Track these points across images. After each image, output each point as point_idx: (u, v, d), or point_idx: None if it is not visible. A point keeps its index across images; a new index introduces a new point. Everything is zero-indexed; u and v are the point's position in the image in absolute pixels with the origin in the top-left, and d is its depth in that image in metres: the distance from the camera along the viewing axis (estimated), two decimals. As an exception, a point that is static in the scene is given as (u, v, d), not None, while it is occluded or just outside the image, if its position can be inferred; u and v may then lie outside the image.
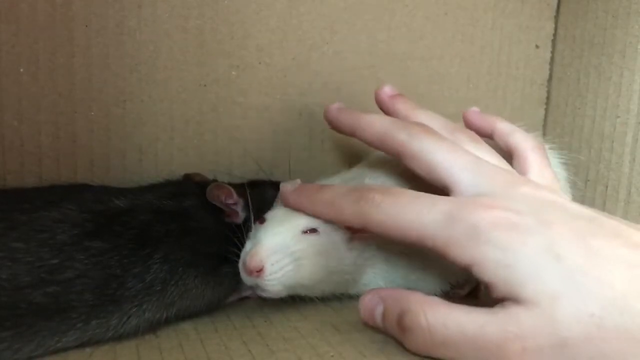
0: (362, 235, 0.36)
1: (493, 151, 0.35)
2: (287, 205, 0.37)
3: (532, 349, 0.27)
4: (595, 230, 0.28)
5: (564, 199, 0.31)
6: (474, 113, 0.40)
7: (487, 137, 0.38)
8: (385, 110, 0.40)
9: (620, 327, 0.25)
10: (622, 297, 0.26)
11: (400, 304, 0.31)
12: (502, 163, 0.35)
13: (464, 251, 0.29)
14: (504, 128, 0.38)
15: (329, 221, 0.35)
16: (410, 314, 0.30)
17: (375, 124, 0.36)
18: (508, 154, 0.37)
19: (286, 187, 0.37)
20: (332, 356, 0.31)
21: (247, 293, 0.40)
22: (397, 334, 0.31)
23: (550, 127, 0.55)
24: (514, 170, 0.35)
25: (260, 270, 0.33)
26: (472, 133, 0.37)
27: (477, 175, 0.32)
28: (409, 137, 0.34)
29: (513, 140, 0.37)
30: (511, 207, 0.29)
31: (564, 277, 0.27)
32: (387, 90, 0.40)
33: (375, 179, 0.41)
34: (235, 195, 0.38)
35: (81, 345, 0.32)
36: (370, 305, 0.33)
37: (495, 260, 0.28)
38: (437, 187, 0.33)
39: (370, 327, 0.34)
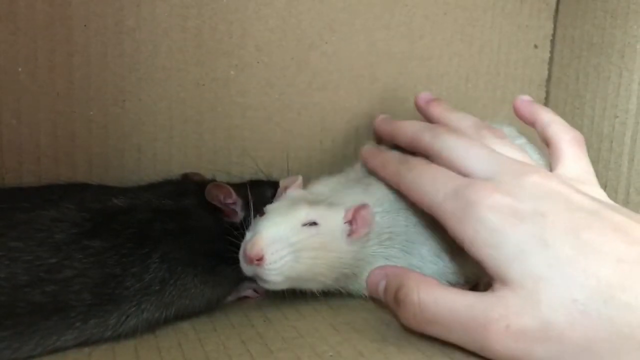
0: (362, 231, 0.36)
1: (518, 147, 0.37)
2: (365, 161, 0.42)
3: (515, 329, 0.28)
4: (592, 224, 0.29)
5: (569, 190, 0.31)
6: (523, 101, 0.40)
7: (530, 126, 0.40)
8: (422, 114, 0.43)
9: (604, 317, 0.26)
10: (608, 288, 0.26)
11: (399, 280, 0.33)
12: (525, 157, 0.36)
13: (459, 226, 0.32)
14: (544, 118, 0.38)
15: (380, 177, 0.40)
16: (405, 288, 0.32)
17: (407, 129, 0.40)
18: (546, 144, 0.38)
19: (365, 149, 0.43)
20: (331, 355, 0.31)
21: (246, 292, 0.40)
22: (392, 308, 0.34)
23: (549, 127, 0.55)
24: (532, 164, 0.35)
25: (260, 259, 0.33)
26: (499, 131, 0.38)
27: (489, 164, 0.34)
28: (433, 138, 0.37)
29: (551, 130, 0.38)
30: (512, 193, 0.31)
31: (550, 263, 0.28)
32: (423, 97, 0.43)
33: (375, 178, 0.41)
34: (234, 195, 0.38)
35: (80, 345, 0.32)
36: (376, 279, 0.36)
37: (484, 239, 0.30)
38: None
39: (370, 327, 0.34)
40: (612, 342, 0.26)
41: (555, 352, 0.27)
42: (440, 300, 0.30)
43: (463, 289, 0.40)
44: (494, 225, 0.30)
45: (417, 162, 0.37)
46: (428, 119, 0.42)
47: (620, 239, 0.28)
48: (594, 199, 0.31)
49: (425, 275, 0.35)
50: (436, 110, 0.42)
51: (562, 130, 0.37)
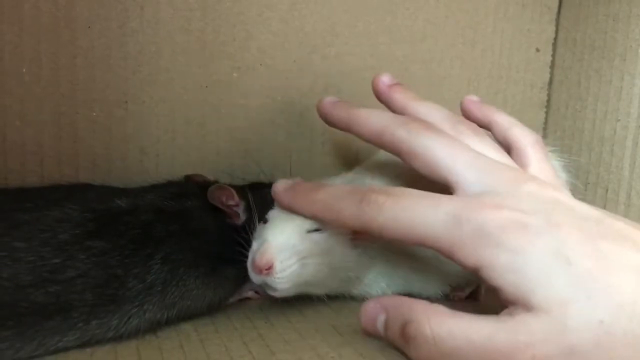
0: (365, 234, 0.36)
1: (496, 145, 0.35)
2: (282, 205, 0.36)
3: (541, 357, 0.26)
4: (604, 233, 0.28)
5: (569, 197, 0.31)
6: (472, 102, 0.38)
7: (484, 128, 0.37)
8: (382, 100, 0.38)
9: (628, 334, 0.25)
10: (631, 303, 0.25)
11: (403, 313, 0.30)
12: (505, 158, 0.34)
13: (471, 254, 0.28)
14: (503, 121, 0.37)
15: (326, 223, 0.35)
16: (414, 323, 0.29)
17: (372, 119, 0.34)
18: (505, 147, 0.36)
19: (279, 186, 0.36)
20: (333, 357, 0.31)
21: (248, 294, 0.40)
22: (400, 344, 0.30)
23: (551, 130, 0.55)
24: (517, 167, 0.34)
25: (269, 268, 0.33)
26: (474, 125, 0.35)
27: (480, 173, 0.31)
28: (408, 134, 0.33)
29: (511, 134, 0.36)
30: (518, 206, 0.28)
31: (574, 282, 0.26)
32: (385, 79, 0.37)
33: (377, 181, 0.41)
34: (236, 197, 0.38)
35: (82, 345, 0.32)
36: (372, 313, 0.32)
37: (504, 264, 0.27)
38: (439, 186, 0.32)
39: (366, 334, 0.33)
40: (634, 357, 0.25)
41: None
42: (457, 332, 0.27)
43: (466, 292, 0.40)
44: (513, 247, 0.27)
45: (378, 197, 0.31)
46: (389, 106, 0.37)
47: (631, 247, 0.27)
48: (589, 206, 0.30)
49: (429, 303, 0.30)
50: (401, 97, 0.37)
51: (524, 133, 0.36)
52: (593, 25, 0.50)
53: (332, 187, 0.34)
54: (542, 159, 0.35)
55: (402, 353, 0.31)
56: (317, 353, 0.32)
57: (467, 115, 0.38)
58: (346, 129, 0.36)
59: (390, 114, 0.35)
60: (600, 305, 0.26)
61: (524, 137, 0.35)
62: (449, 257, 0.29)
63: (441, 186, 0.32)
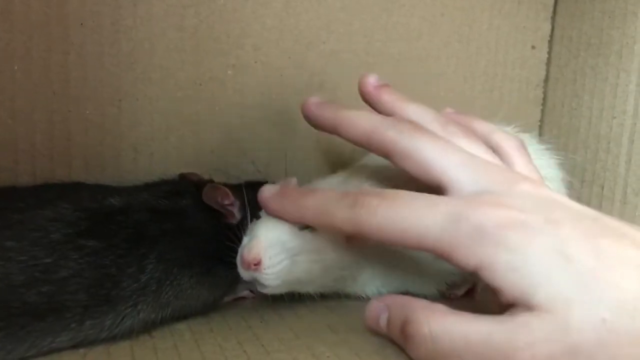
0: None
1: (486, 147, 0.34)
2: (269, 212, 0.35)
3: (542, 356, 0.26)
4: (602, 231, 0.28)
5: (563, 197, 0.31)
6: (449, 114, 0.38)
7: None
8: (369, 102, 0.37)
9: (631, 332, 0.25)
10: (633, 300, 0.25)
11: (404, 312, 0.30)
12: (496, 159, 0.34)
13: (470, 254, 0.28)
14: (483, 128, 0.36)
15: (318, 229, 0.34)
16: (414, 322, 0.29)
17: (360, 121, 0.34)
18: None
19: (266, 193, 0.35)
20: (328, 357, 0.31)
21: (243, 293, 0.40)
22: (400, 342, 0.30)
23: (547, 128, 0.55)
24: (508, 167, 0.34)
25: (257, 264, 0.33)
26: (465, 127, 0.35)
27: (474, 173, 0.31)
28: (399, 135, 0.32)
29: (494, 140, 0.36)
30: (515, 205, 0.28)
31: (576, 280, 0.26)
32: (371, 81, 0.36)
33: (370, 182, 0.40)
34: (231, 196, 0.38)
35: (75, 346, 0.32)
36: (376, 312, 0.32)
37: (504, 263, 0.27)
38: (430, 188, 0.32)
39: (364, 326, 0.33)
40: (637, 354, 0.25)
41: None
42: (455, 331, 0.27)
43: (462, 290, 0.40)
44: (512, 246, 0.27)
45: (371, 200, 0.30)
46: (376, 108, 0.36)
47: (630, 244, 0.27)
48: (583, 205, 0.30)
49: (430, 302, 0.31)
50: (389, 99, 0.36)
51: (505, 138, 0.36)
52: (589, 23, 0.50)
53: (322, 192, 0.34)
54: (527, 162, 0.35)
55: (401, 351, 0.31)
56: (313, 352, 0.32)
57: None
58: (333, 131, 0.35)
59: (379, 116, 0.35)
60: (602, 303, 0.25)
61: (507, 142, 0.35)
62: (448, 258, 0.28)
63: (432, 188, 0.32)
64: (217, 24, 0.44)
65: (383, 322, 0.31)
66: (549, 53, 0.55)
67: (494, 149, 0.35)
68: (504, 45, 0.54)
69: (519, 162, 0.34)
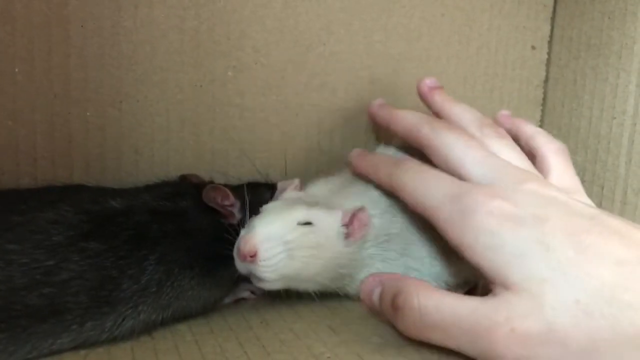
0: (359, 234, 0.36)
1: (517, 148, 0.37)
2: (355, 167, 0.41)
3: (520, 332, 0.27)
4: (591, 228, 0.29)
5: (572, 199, 0.32)
6: (503, 117, 0.42)
7: (513, 137, 0.39)
8: (423, 101, 0.42)
9: (607, 317, 0.26)
10: (610, 288, 0.26)
11: (396, 285, 0.32)
12: (525, 163, 0.36)
13: (457, 232, 0.31)
14: (527, 130, 0.39)
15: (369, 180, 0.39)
16: (404, 294, 0.31)
17: (405, 118, 0.39)
18: (531, 156, 0.38)
19: (354, 152, 0.42)
20: (329, 357, 0.31)
21: (243, 294, 0.40)
22: (390, 315, 0.32)
23: (547, 128, 0.55)
24: (529, 169, 0.35)
25: (253, 256, 0.33)
26: (500, 129, 0.38)
27: (487, 170, 0.33)
28: (432, 132, 0.37)
29: (535, 142, 0.38)
30: (512, 199, 0.31)
31: (552, 266, 0.28)
32: (427, 82, 0.42)
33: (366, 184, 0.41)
34: (231, 197, 0.38)
35: (76, 347, 0.32)
36: (370, 286, 0.35)
37: (483, 243, 0.30)
38: None
39: (367, 328, 0.34)
40: (616, 342, 0.26)
41: (560, 354, 0.27)
42: (442, 305, 0.30)
43: (461, 291, 0.40)
44: (493, 229, 0.30)
45: (410, 165, 0.36)
46: (429, 106, 0.42)
47: (619, 242, 0.28)
48: (590, 206, 0.31)
49: (423, 280, 0.34)
50: (439, 99, 0.41)
51: (547, 141, 0.38)
52: (589, 23, 0.50)
53: (382, 156, 0.41)
54: (565, 166, 0.37)
55: (401, 351, 0.31)
56: (313, 353, 0.32)
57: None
58: (386, 126, 0.42)
59: (421, 115, 0.39)
60: (577, 287, 0.27)
61: (547, 145, 0.38)
62: (442, 232, 0.32)
63: None
64: (217, 25, 0.45)
65: (376, 296, 0.34)
66: (549, 53, 0.55)
67: (533, 152, 0.38)
68: (504, 46, 0.54)
69: (556, 166, 0.37)
